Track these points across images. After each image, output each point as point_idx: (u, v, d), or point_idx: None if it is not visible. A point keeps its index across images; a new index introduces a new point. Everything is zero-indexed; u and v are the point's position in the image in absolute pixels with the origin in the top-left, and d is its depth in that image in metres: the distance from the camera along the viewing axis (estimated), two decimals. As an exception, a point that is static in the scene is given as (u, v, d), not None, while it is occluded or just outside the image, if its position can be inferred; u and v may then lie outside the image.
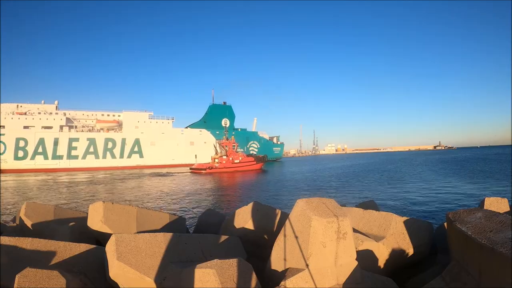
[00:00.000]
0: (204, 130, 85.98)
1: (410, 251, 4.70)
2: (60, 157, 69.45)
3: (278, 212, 5.03)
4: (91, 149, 72.26)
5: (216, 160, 54.63)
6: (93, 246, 3.95)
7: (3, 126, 64.71)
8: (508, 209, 5.52)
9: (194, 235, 4.20)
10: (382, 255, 4.46)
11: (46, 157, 68.14)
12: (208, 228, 6.16)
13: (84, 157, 71.46)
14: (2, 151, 64.29)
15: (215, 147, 68.76)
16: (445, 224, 4.49)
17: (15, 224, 6.53)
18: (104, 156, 73.44)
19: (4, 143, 64.50)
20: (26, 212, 5.74)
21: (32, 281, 2.86)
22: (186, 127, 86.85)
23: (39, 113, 69.19)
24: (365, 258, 4.12)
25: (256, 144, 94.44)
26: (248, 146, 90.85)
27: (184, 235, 3.96)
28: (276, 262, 3.58)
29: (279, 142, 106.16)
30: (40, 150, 67.79)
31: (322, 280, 3.16)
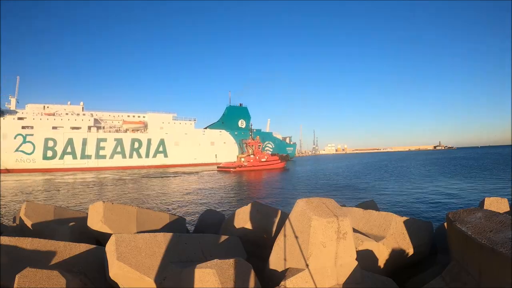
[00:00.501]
0: (223, 131, 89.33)
1: (410, 251, 4.70)
2: (89, 157, 71.68)
3: (278, 212, 5.03)
4: (118, 149, 74.85)
5: (243, 159, 56.82)
6: (93, 246, 3.95)
7: (32, 127, 66.45)
8: (508, 209, 5.53)
9: (194, 235, 4.20)
10: (382, 255, 4.46)
11: (74, 157, 70.35)
12: (208, 228, 6.16)
13: (111, 156, 73.94)
14: (30, 151, 65.90)
15: (240, 147, 72.89)
16: (445, 224, 4.49)
17: (15, 224, 6.53)
18: (131, 156, 76.19)
19: (33, 143, 66.06)
20: (26, 212, 5.74)
21: (32, 281, 2.86)
22: (205, 128, 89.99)
23: (67, 114, 71.32)
24: (365, 258, 4.12)
25: (271, 144, 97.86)
26: (263, 146, 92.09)
27: (184, 235, 3.96)
28: (276, 262, 3.58)
29: (291, 142, 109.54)
30: (69, 150, 69.90)
31: (322, 280, 3.16)
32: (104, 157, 73.06)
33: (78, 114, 72.66)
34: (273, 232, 4.75)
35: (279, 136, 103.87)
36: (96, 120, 74.54)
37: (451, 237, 3.54)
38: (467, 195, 19.16)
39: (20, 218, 5.81)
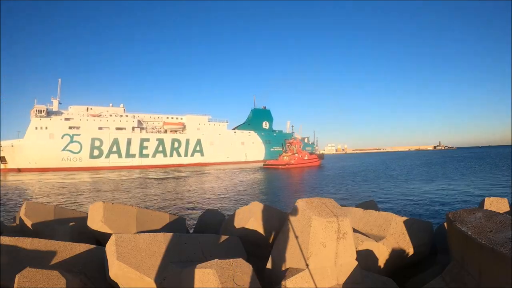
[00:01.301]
0: (252, 132, 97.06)
1: (410, 251, 4.70)
2: (133, 156, 77.05)
3: (278, 212, 5.03)
4: (160, 148, 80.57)
5: (286, 158, 63.80)
6: (93, 246, 3.95)
7: (78, 127, 70.90)
8: (508, 209, 5.53)
9: (194, 235, 4.20)
10: (382, 255, 4.46)
11: (120, 156, 75.37)
12: (208, 228, 6.16)
13: (154, 155, 79.49)
14: (77, 150, 70.45)
15: (283, 146, 79.20)
16: (445, 224, 4.49)
17: (15, 224, 6.54)
18: (171, 155, 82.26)
19: (80, 143, 70.48)
20: (26, 212, 5.74)
21: (32, 281, 2.86)
22: (234, 129, 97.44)
23: (110, 115, 76.79)
24: (365, 258, 4.13)
25: None
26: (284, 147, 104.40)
27: (184, 235, 3.96)
28: (276, 262, 3.58)
29: (310, 142, 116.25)
30: (114, 149, 74.81)
31: (322, 280, 3.16)
32: (147, 156, 78.61)
33: (121, 116, 77.98)
34: (273, 232, 4.75)
35: (299, 137, 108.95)
36: (139, 122, 79.91)
37: (451, 237, 3.54)
38: (467, 195, 19.16)
39: (20, 218, 5.81)
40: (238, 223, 5.03)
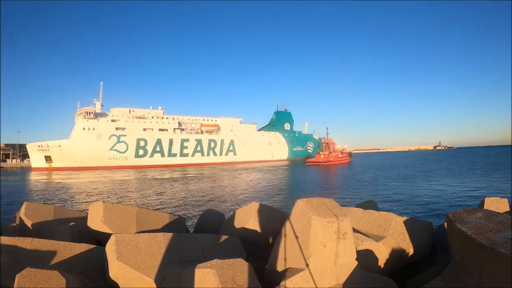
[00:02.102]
0: (277, 133, 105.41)
1: (410, 251, 4.70)
2: (174, 155, 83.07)
3: (278, 212, 5.03)
4: (198, 148, 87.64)
5: (322, 156, 73.48)
6: (93, 246, 3.95)
7: (124, 128, 75.89)
8: (508, 209, 5.53)
9: (194, 235, 4.20)
10: (382, 255, 4.46)
11: (163, 155, 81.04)
12: (208, 228, 6.16)
13: (193, 154, 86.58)
14: (124, 150, 75.41)
15: (319, 146, 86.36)
16: (445, 224, 4.49)
17: (15, 224, 6.53)
18: (208, 154, 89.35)
19: (126, 143, 75.51)
20: (26, 212, 5.74)
21: (32, 281, 2.86)
22: (259, 130, 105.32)
23: (152, 117, 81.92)
24: (365, 258, 4.12)
25: (312, 144, 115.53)
26: (306, 146, 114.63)
27: (184, 235, 3.96)
28: (276, 262, 3.58)
29: None
30: (158, 149, 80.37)
31: (322, 280, 3.16)
32: (187, 155, 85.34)
33: (162, 118, 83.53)
34: (273, 232, 4.75)
35: (316, 137, 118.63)
36: (179, 123, 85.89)
37: (451, 237, 3.53)
38: (467, 195, 19.15)
39: (20, 218, 5.81)
40: (238, 223, 5.02)
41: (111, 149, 73.52)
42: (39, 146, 69.11)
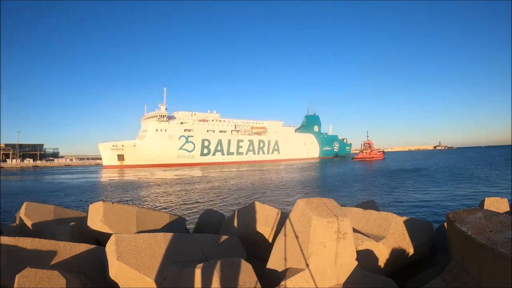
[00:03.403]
0: (310, 134, 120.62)
1: (410, 251, 4.70)
2: (232, 153, 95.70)
3: (278, 212, 5.03)
4: (251, 147, 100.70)
5: (364, 153, 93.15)
6: (93, 246, 3.95)
7: (191, 130, 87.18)
8: (508, 209, 5.52)
9: (194, 235, 4.20)
10: (382, 255, 4.46)
11: (222, 153, 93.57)
12: (208, 228, 6.16)
13: (246, 153, 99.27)
14: (191, 149, 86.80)
15: (362, 145, 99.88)
16: (445, 224, 4.49)
17: (15, 224, 6.53)
18: (258, 153, 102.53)
19: (193, 143, 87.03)
20: (26, 212, 5.74)
21: (32, 281, 2.86)
22: (295, 131, 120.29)
23: (212, 120, 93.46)
24: (365, 258, 4.12)
25: (337, 144, 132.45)
26: (333, 146, 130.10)
27: (184, 235, 3.96)
28: (276, 262, 3.58)
29: (348, 143, 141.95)
30: (218, 148, 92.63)
31: (322, 280, 3.16)
32: (241, 153, 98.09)
33: (220, 121, 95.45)
34: (273, 232, 4.75)
35: (340, 138, 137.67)
36: (235, 126, 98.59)
37: (451, 237, 3.54)
38: (467, 195, 19.15)
39: (20, 218, 5.81)
40: (238, 223, 5.02)
41: (180, 148, 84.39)
42: (113, 146, 76.42)
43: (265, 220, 4.87)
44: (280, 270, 3.46)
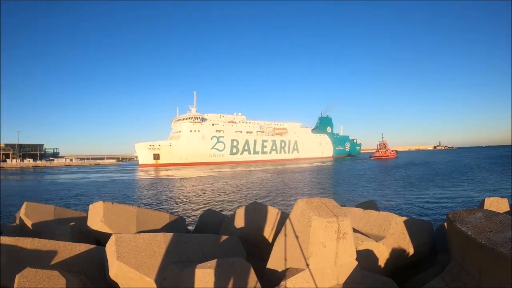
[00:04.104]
0: (325, 135, 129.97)
1: (410, 251, 4.70)
2: (257, 153, 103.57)
3: (278, 212, 5.03)
4: (274, 147, 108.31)
5: (380, 152, 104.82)
6: (93, 246, 3.95)
7: (222, 131, 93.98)
8: (508, 209, 5.53)
9: (194, 235, 4.20)
10: (382, 255, 4.46)
11: (249, 153, 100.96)
12: (208, 228, 6.16)
13: (270, 152, 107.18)
14: (222, 149, 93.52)
15: (378, 145, 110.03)
16: (445, 224, 4.49)
17: (15, 224, 6.53)
18: (280, 152, 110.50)
19: (224, 143, 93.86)
20: (26, 212, 5.74)
21: (32, 281, 2.86)
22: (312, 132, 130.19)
23: (239, 122, 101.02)
24: (365, 258, 4.12)
25: (349, 144, 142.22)
26: (345, 146, 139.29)
27: (184, 235, 3.96)
28: (276, 262, 3.58)
29: (358, 143, 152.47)
30: (246, 148, 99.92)
31: (322, 280, 3.16)
32: (266, 153, 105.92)
33: (246, 122, 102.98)
34: (273, 232, 4.75)
35: (351, 139, 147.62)
36: (260, 127, 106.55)
37: (451, 237, 3.54)
38: (467, 195, 19.15)
39: (20, 218, 5.81)
40: (238, 223, 5.02)
41: (212, 148, 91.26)
42: (150, 145, 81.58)
43: (265, 220, 4.88)
44: (280, 270, 3.46)
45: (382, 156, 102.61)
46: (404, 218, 4.91)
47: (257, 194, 21.58)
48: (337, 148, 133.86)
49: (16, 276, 2.85)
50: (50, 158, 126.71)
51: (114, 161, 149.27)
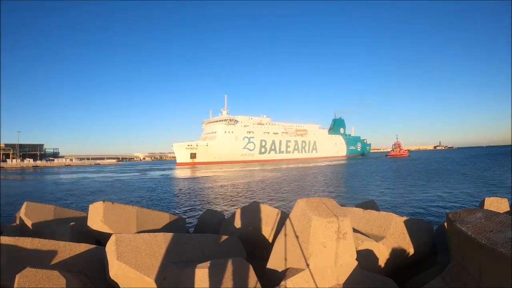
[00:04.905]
0: (339, 136, 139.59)
1: (410, 251, 4.70)
2: (282, 152, 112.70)
3: (278, 212, 5.03)
4: (296, 147, 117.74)
5: (394, 151, 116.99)
6: (93, 246, 3.95)
7: (252, 132, 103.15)
8: (508, 209, 5.52)
9: (194, 235, 4.20)
10: (382, 255, 4.46)
11: (276, 152, 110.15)
12: (208, 228, 6.16)
13: (293, 151, 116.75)
14: (252, 148, 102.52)
15: (393, 145, 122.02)
16: (445, 224, 4.49)
17: (15, 224, 6.53)
18: (301, 151, 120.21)
19: (254, 143, 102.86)
20: (26, 212, 5.74)
21: (32, 281, 2.86)
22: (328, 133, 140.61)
23: (266, 123, 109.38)
24: (365, 258, 4.12)
25: (360, 144, 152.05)
26: (356, 146, 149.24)
27: (184, 235, 3.96)
28: (276, 262, 3.58)
29: (368, 143, 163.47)
30: (272, 147, 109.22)
31: (322, 280, 3.16)
32: (289, 152, 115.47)
33: (272, 124, 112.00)
34: (273, 232, 4.75)
35: (362, 139, 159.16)
36: (284, 128, 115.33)
37: (451, 237, 3.53)
38: (467, 195, 19.15)
39: (20, 218, 5.81)
40: (238, 223, 5.03)
41: (243, 147, 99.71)
42: (188, 145, 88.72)
43: (265, 220, 4.88)
44: (280, 270, 3.46)
45: (397, 155, 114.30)
46: (404, 218, 4.91)
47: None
48: (350, 148, 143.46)
49: (16, 276, 2.85)
50: (50, 158, 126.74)
51: (114, 161, 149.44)
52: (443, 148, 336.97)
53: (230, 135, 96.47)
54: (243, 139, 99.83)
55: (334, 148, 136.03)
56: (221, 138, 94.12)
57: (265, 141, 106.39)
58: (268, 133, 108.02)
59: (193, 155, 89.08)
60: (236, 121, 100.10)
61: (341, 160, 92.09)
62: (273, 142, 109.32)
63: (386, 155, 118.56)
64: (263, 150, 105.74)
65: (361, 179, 31.05)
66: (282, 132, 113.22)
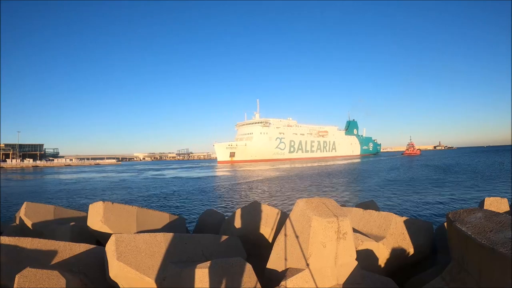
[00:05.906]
0: (354, 137, 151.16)
1: (410, 251, 4.70)
2: (307, 151, 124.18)
3: (278, 212, 5.03)
4: (318, 146, 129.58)
5: (408, 150, 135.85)
6: (93, 246, 3.95)
7: (283, 133, 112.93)
8: (508, 209, 5.53)
9: (194, 235, 4.20)
10: (382, 255, 4.46)
11: (303, 151, 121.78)
12: (208, 228, 6.16)
13: (316, 151, 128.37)
14: (283, 148, 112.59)
15: (407, 145, 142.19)
16: (445, 224, 4.49)
17: (15, 224, 6.53)
18: (322, 150, 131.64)
19: (284, 143, 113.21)
20: (26, 212, 5.74)
21: (32, 281, 2.86)
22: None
23: (293, 125, 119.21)
24: (365, 258, 4.12)
25: (372, 144, 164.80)
26: (369, 146, 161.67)
27: (184, 235, 3.96)
28: (276, 262, 3.58)
29: (378, 143, 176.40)
30: (300, 147, 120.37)
31: (322, 280, 3.16)
32: (313, 151, 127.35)
33: (298, 126, 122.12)
34: (273, 232, 4.75)
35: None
36: (309, 129, 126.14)
37: (451, 237, 3.53)
38: (467, 195, 19.16)
39: (20, 218, 5.81)
40: (238, 223, 5.02)
41: (276, 147, 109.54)
42: (228, 145, 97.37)
43: (265, 220, 4.87)
44: (280, 270, 3.46)
45: (411, 153, 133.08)
46: (404, 218, 4.91)
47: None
48: (363, 148, 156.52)
49: (16, 276, 2.85)
50: (50, 158, 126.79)
51: (114, 161, 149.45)
52: (443, 148, 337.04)
53: (265, 136, 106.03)
54: (276, 139, 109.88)
55: (350, 147, 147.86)
56: (257, 138, 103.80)
57: (293, 141, 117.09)
58: (296, 134, 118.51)
59: (232, 154, 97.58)
60: (270, 123, 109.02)
61: (357, 159, 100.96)
62: (300, 142, 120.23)
63: (402, 154, 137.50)
64: (292, 149, 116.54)
65: (414, 169, 40.58)
66: (307, 133, 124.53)
